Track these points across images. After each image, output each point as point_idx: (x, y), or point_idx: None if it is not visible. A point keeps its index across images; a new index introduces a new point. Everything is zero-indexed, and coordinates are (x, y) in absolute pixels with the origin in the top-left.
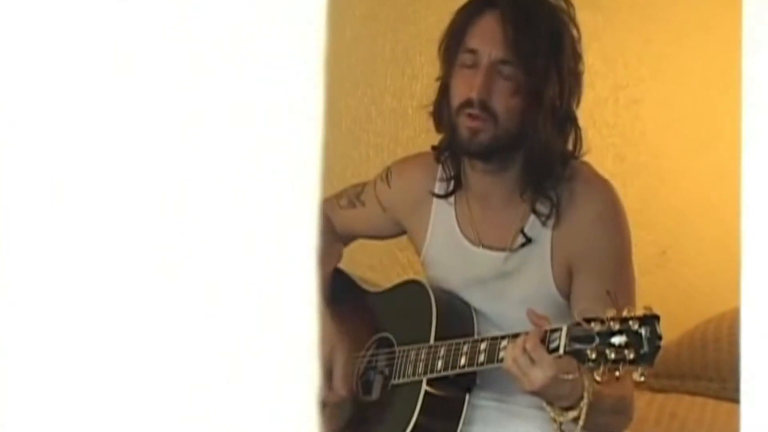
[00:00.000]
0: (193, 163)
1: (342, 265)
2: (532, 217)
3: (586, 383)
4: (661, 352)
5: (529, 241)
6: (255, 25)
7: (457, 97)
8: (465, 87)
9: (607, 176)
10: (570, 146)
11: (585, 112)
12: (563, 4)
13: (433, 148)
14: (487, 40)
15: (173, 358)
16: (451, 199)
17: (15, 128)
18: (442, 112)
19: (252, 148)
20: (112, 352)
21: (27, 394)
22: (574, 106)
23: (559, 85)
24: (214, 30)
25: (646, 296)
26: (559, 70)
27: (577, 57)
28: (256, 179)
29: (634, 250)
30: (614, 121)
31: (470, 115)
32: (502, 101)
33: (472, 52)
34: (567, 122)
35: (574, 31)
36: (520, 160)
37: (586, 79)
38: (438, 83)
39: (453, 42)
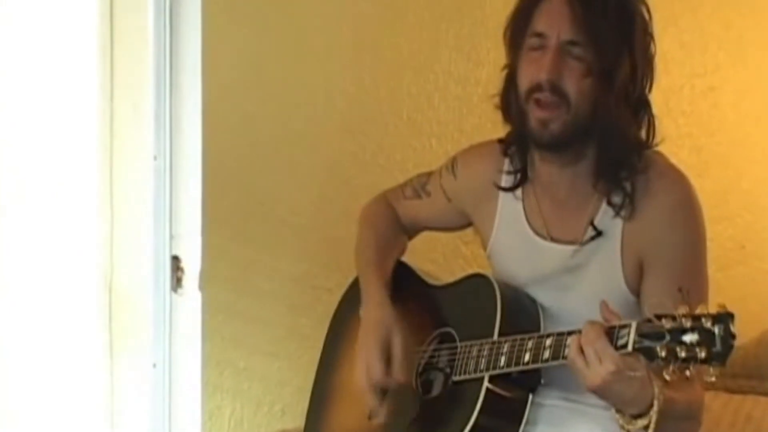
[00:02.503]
0: None
1: (404, 258)
2: (603, 210)
3: (656, 391)
4: (735, 351)
5: (599, 233)
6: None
7: (525, 82)
8: (534, 70)
9: (682, 168)
10: (643, 135)
11: (660, 100)
12: None
13: (500, 141)
14: (555, 21)
15: None
16: (519, 192)
17: None
18: (510, 102)
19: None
20: None
21: None
22: (647, 91)
23: (631, 67)
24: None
25: (724, 293)
26: (631, 51)
27: (648, 38)
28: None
29: (711, 245)
30: (690, 110)
31: (539, 103)
32: (573, 82)
33: (540, 35)
34: (640, 108)
35: (645, 12)
36: (593, 149)
37: (661, 65)
38: (504, 72)
39: (519, 27)
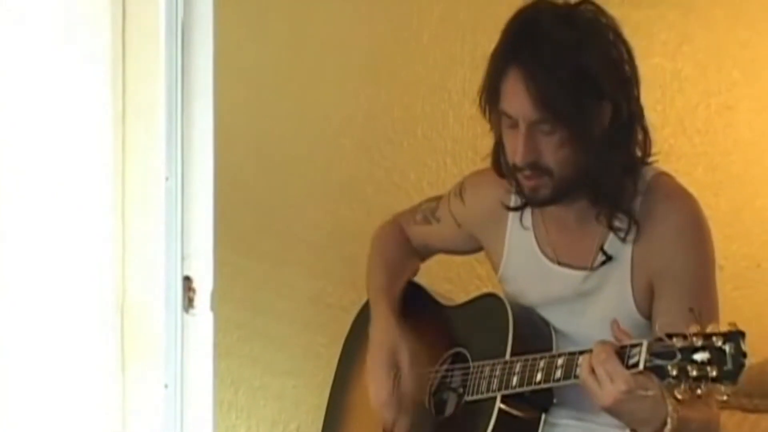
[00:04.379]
0: None
1: (419, 278)
2: (612, 235)
3: (670, 409)
4: (750, 370)
5: (609, 258)
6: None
7: (509, 156)
8: (512, 149)
9: (698, 187)
10: (639, 154)
11: (674, 119)
12: (587, 6)
13: (500, 175)
14: (517, 104)
15: None
16: (527, 218)
17: None
18: (500, 164)
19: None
20: None
21: None
22: (635, 108)
23: (611, 104)
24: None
25: (740, 311)
26: (601, 95)
27: (621, 63)
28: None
29: (726, 263)
30: (706, 129)
31: (526, 176)
32: (551, 157)
33: (508, 116)
34: (630, 130)
35: (609, 33)
36: (586, 193)
37: (676, 84)
38: (492, 135)
39: (490, 103)
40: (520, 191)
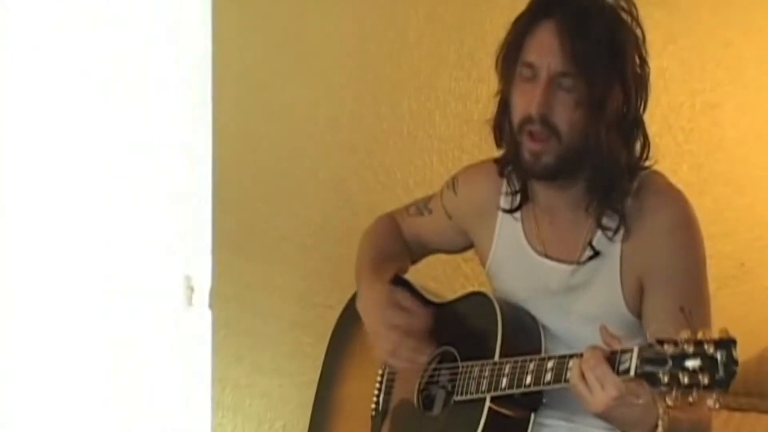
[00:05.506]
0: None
1: (406, 275)
2: (600, 231)
3: (661, 412)
4: (738, 373)
5: (597, 254)
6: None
7: (517, 112)
8: (525, 102)
9: (683, 185)
10: (637, 154)
11: (659, 117)
12: (624, 3)
13: (496, 161)
14: (545, 52)
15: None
16: (518, 212)
17: None
18: (503, 128)
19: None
20: None
21: None
22: (641, 111)
23: (623, 92)
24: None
25: (724, 311)
26: (623, 76)
27: (641, 60)
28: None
29: (710, 261)
30: (690, 127)
31: (531, 135)
32: (565, 115)
33: (530, 66)
34: (633, 129)
35: (638, 31)
36: (585, 174)
37: (661, 82)
38: (497, 98)
39: (510, 56)
40: (519, 162)
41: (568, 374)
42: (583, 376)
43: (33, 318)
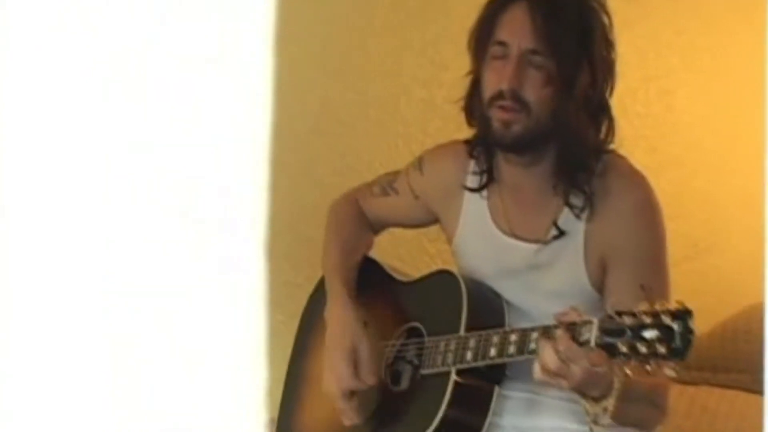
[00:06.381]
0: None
1: (371, 254)
2: (566, 210)
3: (617, 371)
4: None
5: (562, 233)
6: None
7: (488, 89)
8: (496, 78)
9: (638, 168)
10: (602, 136)
11: (616, 103)
12: None
13: (466, 142)
14: (516, 30)
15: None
16: (484, 191)
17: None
18: (473, 106)
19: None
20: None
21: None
22: (607, 95)
23: (590, 74)
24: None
25: (678, 288)
26: (591, 58)
27: (608, 44)
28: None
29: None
30: (645, 112)
31: (502, 107)
32: (534, 91)
33: (502, 44)
34: (600, 112)
35: (605, 18)
36: (552, 152)
37: (617, 69)
38: (469, 78)
39: (482, 35)
40: (489, 133)
41: (531, 346)
42: (553, 363)
43: (35, 318)
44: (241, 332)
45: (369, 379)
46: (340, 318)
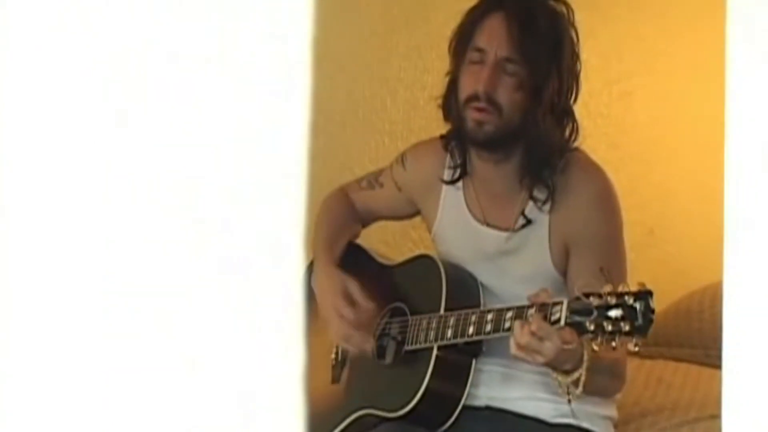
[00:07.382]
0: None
1: (360, 241)
2: (531, 202)
3: (585, 353)
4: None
5: (529, 222)
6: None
7: (465, 90)
8: (473, 81)
9: (600, 162)
10: (566, 138)
11: (581, 104)
12: (564, 9)
13: (442, 137)
14: (494, 39)
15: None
16: (459, 183)
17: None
18: (450, 104)
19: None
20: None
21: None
22: (572, 102)
23: (558, 83)
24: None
25: (635, 272)
26: (559, 69)
27: (575, 58)
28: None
29: (624, 229)
30: (608, 112)
31: (477, 108)
32: (507, 95)
33: (480, 50)
34: (565, 115)
35: (573, 34)
36: (520, 150)
37: (582, 73)
38: (447, 78)
39: (462, 40)
40: (463, 130)
41: (506, 325)
42: (527, 342)
43: (34, 318)
44: (242, 332)
45: (368, 304)
46: (326, 276)
